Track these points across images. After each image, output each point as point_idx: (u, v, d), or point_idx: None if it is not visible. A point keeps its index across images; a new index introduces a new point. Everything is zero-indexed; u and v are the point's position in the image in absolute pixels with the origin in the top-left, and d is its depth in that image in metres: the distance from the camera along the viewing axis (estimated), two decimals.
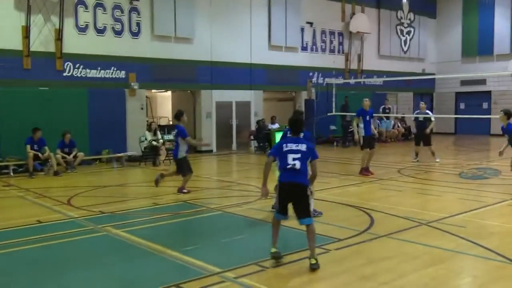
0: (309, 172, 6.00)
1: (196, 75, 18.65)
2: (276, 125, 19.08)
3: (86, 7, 15.82)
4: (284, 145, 6.01)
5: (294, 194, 5.83)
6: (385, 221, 7.76)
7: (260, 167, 14.44)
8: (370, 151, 12.72)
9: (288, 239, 7.26)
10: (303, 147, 5.95)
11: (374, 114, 14.15)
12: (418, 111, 16.09)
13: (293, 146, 5.96)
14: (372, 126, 13.09)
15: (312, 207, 6.39)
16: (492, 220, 7.76)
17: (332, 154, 18.19)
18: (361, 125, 12.78)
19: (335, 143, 21.61)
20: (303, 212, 5.82)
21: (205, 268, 5.56)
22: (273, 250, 5.84)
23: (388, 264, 5.67)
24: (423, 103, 16.12)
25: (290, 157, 5.88)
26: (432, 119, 15.41)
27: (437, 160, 14.77)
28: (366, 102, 12.86)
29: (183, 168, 10.38)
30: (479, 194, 10.10)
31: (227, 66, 19.28)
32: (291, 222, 7.83)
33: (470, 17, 27.26)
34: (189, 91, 19.49)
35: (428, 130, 15.03)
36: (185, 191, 10.23)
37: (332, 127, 22.21)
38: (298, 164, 5.82)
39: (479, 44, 26.79)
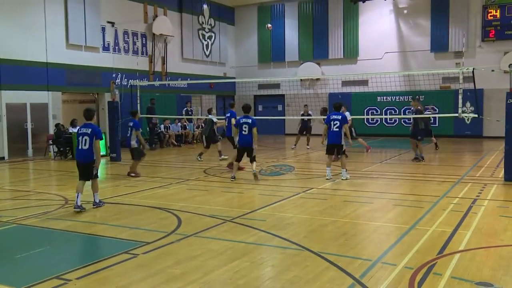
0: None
1: None
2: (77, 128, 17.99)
3: None
4: None
5: None
6: (192, 220, 7.93)
7: (61, 173, 13.52)
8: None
9: (96, 247, 6.95)
10: None
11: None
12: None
13: None
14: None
15: None
16: (287, 212, 8.50)
17: None
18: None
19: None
20: None
21: None
22: None
23: (195, 262, 5.80)
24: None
25: None
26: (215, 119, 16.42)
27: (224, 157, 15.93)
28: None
29: None
30: (277, 189, 10.99)
31: (19, 65, 17.55)
32: (99, 229, 7.52)
33: (264, 26, 29.45)
34: None
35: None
36: None
37: None
38: None
39: (272, 52, 29.18)
